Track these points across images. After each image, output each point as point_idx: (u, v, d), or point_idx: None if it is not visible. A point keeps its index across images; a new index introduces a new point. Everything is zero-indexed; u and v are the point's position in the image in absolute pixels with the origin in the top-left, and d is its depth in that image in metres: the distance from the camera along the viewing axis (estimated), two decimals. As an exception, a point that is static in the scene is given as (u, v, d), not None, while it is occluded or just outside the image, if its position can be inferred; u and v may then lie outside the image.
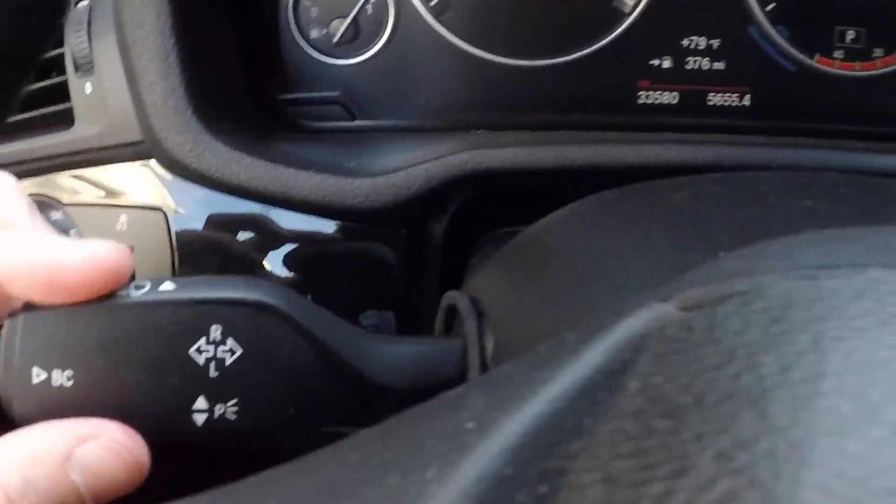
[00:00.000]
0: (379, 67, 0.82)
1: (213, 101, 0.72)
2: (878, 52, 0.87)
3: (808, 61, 0.86)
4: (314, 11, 0.82)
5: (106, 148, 0.76)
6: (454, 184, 0.68)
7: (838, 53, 0.86)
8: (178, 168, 0.72)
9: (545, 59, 0.82)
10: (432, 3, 0.81)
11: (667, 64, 0.84)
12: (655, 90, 0.85)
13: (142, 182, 0.75)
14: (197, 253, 0.73)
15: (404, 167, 0.67)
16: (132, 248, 0.41)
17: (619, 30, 0.82)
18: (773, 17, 0.84)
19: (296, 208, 0.69)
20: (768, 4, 0.84)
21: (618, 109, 0.84)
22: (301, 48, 0.82)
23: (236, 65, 0.79)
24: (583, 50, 0.82)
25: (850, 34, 0.86)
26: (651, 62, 0.84)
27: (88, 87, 0.77)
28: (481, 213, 0.73)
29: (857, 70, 0.87)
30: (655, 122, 0.84)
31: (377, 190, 0.67)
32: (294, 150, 0.75)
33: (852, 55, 0.87)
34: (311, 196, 0.68)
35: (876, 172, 0.76)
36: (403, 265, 0.72)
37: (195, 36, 0.71)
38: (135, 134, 0.74)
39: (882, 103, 0.88)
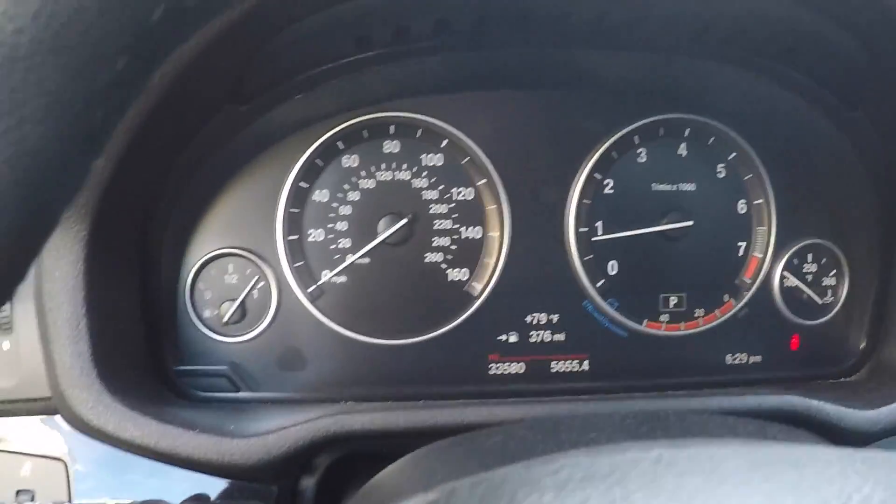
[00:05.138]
0: (262, 345, 0.96)
1: (115, 366, 0.82)
2: (698, 312, 1.03)
3: (638, 327, 1.01)
4: (208, 294, 0.96)
5: (17, 401, 0.86)
6: (320, 444, 0.79)
7: (664, 317, 1.02)
8: (80, 424, 0.80)
9: (406, 339, 0.97)
10: (309, 290, 0.96)
11: (513, 338, 0.99)
12: (504, 362, 0.99)
13: (47, 435, 0.84)
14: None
15: (275, 430, 0.78)
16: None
17: (469, 311, 0.97)
18: (604, 292, 1.00)
19: (181, 465, 0.78)
20: (598, 281, 1.00)
21: (472, 380, 0.98)
22: (194, 325, 0.95)
23: (138, 337, 0.90)
24: (439, 330, 0.97)
25: (673, 300, 1.02)
26: (499, 337, 0.99)
27: (6, 345, 0.87)
28: (350, 470, 0.83)
29: (682, 330, 1.03)
30: (505, 389, 0.98)
31: (251, 449, 0.77)
32: (184, 414, 0.84)
33: (676, 318, 1.03)
34: (194, 453, 0.77)
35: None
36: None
37: (103, 308, 0.82)
38: (44, 390, 0.83)
39: (704, 355, 1.03)
